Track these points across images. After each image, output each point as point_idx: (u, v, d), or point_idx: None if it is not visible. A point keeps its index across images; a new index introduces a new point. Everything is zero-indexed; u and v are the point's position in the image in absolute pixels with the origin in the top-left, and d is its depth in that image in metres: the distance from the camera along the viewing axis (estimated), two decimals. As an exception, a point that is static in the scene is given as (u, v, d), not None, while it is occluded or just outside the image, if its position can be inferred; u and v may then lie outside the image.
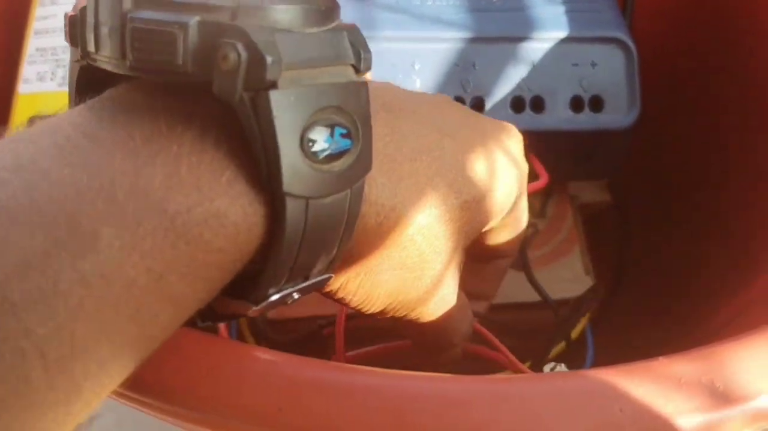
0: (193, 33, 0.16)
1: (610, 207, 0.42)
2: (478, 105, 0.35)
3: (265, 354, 0.20)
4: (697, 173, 0.42)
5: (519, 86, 0.35)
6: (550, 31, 0.35)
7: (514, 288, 0.37)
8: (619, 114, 0.35)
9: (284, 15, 0.16)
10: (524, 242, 0.38)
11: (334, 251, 0.19)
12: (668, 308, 0.39)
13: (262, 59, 0.15)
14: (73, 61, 0.19)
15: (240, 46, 0.15)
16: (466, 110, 0.25)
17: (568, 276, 0.39)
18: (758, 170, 0.37)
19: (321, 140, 0.17)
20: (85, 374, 0.14)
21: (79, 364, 0.14)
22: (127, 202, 0.15)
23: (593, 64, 0.35)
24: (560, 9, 0.36)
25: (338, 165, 0.17)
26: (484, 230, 0.24)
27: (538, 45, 0.35)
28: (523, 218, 0.27)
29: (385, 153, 0.20)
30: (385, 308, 0.22)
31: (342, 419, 0.18)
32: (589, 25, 0.35)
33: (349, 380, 0.19)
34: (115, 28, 0.16)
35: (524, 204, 0.26)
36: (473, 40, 0.35)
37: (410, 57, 0.35)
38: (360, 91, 0.18)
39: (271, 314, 0.37)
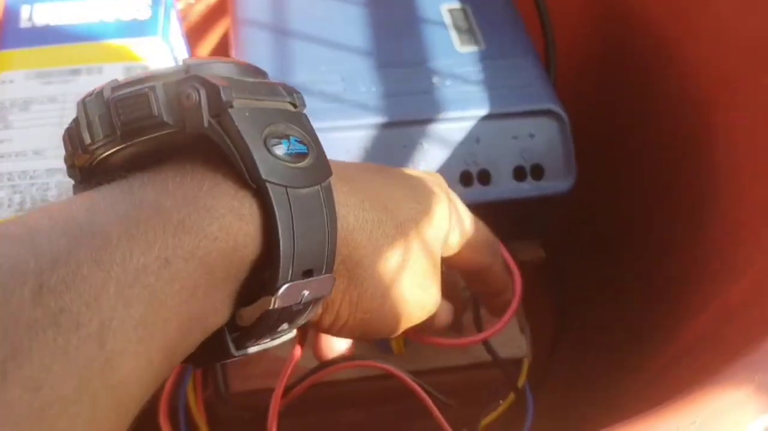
0: (160, 90, 0.20)
1: (545, 264, 0.43)
2: (430, 183, 0.37)
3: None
4: (622, 231, 0.46)
5: (466, 161, 0.37)
6: (489, 108, 0.37)
7: (451, 352, 0.38)
8: (558, 180, 0.38)
9: (224, 68, 0.21)
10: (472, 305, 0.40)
11: (326, 246, 0.21)
12: (605, 363, 0.42)
13: (216, 89, 0.20)
14: (74, 185, 0.23)
15: (197, 86, 0.20)
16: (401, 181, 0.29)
17: (504, 336, 0.39)
18: (671, 230, 0.41)
19: (281, 145, 0.20)
20: (112, 343, 0.17)
21: (105, 334, 0.16)
22: (129, 211, 0.18)
23: (531, 136, 0.38)
24: (497, 87, 0.39)
25: (302, 163, 0.21)
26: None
27: (481, 122, 0.37)
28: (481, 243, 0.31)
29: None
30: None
31: None
32: (525, 100, 0.38)
33: None
34: (103, 114, 0.20)
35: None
36: (420, 122, 0.37)
37: (362, 143, 0.36)
38: (302, 117, 0.22)
39: (234, 386, 0.38)
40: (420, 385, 0.33)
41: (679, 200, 0.41)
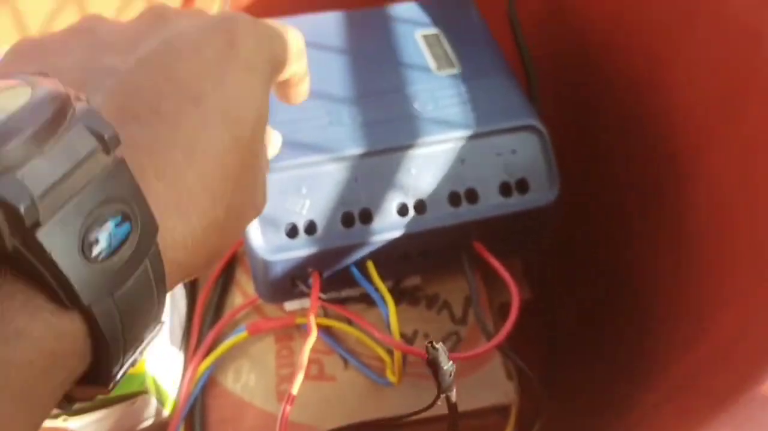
0: None
1: (531, 304, 0.44)
2: (419, 206, 0.38)
3: None
4: (606, 271, 0.46)
5: (453, 182, 0.38)
6: (471, 129, 0.39)
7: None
8: (543, 191, 0.39)
9: (18, 152, 0.16)
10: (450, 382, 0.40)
11: (156, 313, 0.20)
12: (593, 406, 0.42)
13: (16, 210, 0.16)
14: None
15: None
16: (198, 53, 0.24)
17: (491, 384, 0.40)
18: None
19: (102, 240, 0.17)
20: None
21: None
22: None
23: (513, 152, 0.39)
24: (477, 107, 0.40)
25: (126, 250, 0.18)
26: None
27: (465, 143, 0.39)
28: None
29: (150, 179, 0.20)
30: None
31: None
32: (505, 118, 0.39)
33: None
34: None
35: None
36: (406, 148, 0.38)
37: (351, 173, 0.38)
38: (117, 170, 0.18)
39: None
40: None
41: (661, 252, 0.42)
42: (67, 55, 0.23)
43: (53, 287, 0.17)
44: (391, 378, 0.40)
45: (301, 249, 0.37)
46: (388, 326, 0.38)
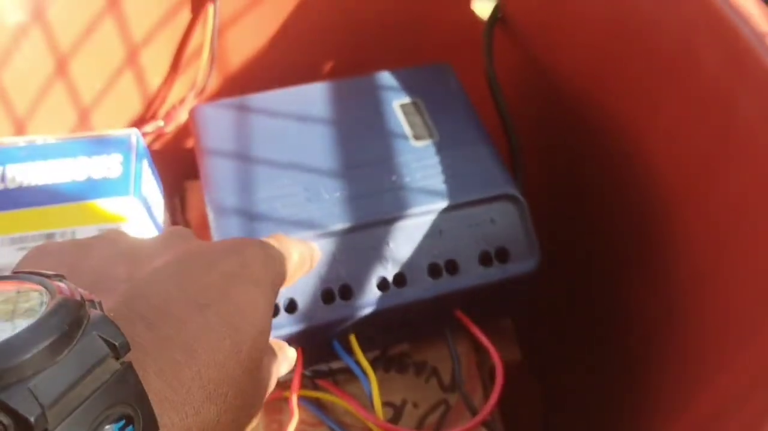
0: None
1: (521, 365, 0.44)
2: (400, 280, 0.38)
3: None
4: (604, 319, 0.46)
5: (432, 254, 0.39)
6: (448, 200, 0.39)
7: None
8: (524, 260, 0.39)
9: (33, 363, 0.18)
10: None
11: None
12: None
13: (27, 422, 0.17)
14: None
15: (2, 416, 0.17)
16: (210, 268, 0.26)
17: None
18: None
19: None
20: None
21: None
22: None
23: (492, 221, 0.39)
24: (454, 177, 0.40)
25: None
26: None
27: (443, 214, 0.39)
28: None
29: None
30: None
31: None
32: (482, 187, 0.40)
33: None
34: None
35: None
36: (385, 222, 0.38)
37: (330, 248, 0.38)
38: (125, 376, 0.19)
39: None
40: None
41: (644, 307, 0.42)
42: (86, 259, 0.25)
43: None
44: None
45: (283, 328, 0.37)
46: (371, 401, 0.38)
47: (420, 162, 0.41)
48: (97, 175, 0.41)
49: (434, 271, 0.39)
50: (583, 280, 0.49)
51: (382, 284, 0.38)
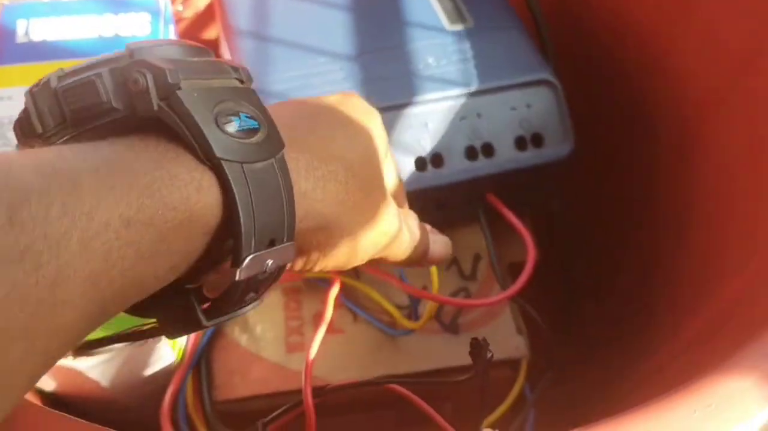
0: (106, 76, 0.20)
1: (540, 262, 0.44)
2: (437, 160, 0.38)
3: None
4: (618, 229, 0.46)
5: (469, 137, 0.39)
6: (486, 83, 0.39)
7: (446, 353, 0.39)
8: (558, 145, 0.39)
9: (169, 50, 0.21)
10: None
11: (285, 217, 0.22)
12: (605, 359, 0.42)
13: (163, 72, 0.20)
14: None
15: (144, 70, 0.20)
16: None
17: (501, 337, 0.40)
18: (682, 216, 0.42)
19: (233, 121, 0.21)
20: (62, 291, 0.17)
21: (59, 280, 0.17)
22: (99, 165, 0.19)
23: (528, 106, 0.39)
24: (491, 62, 0.40)
25: (255, 139, 0.21)
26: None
27: (481, 97, 0.39)
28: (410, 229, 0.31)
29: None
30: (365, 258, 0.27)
31: None
32: (519, 72, 0.39)
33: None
34: (52, 104, 0.21)
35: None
36: (421, 103, 0.38)
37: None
38: (249, 92, 0.22)
39: (223, 394, 0.38)
40: (420, 388, 0.34)
41: (670, 203, 0.42)
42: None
43: (191, 145, 0.20)
44: (410, 325, 0.40)
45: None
46: (403, 278, 0.38)
47: (456, 46, 0.41)
48: (125, 32, 0.40)
49: (471, 153, 0.39)
50: (605, 182, 0.49)
51: (420, 164, 0.38)
